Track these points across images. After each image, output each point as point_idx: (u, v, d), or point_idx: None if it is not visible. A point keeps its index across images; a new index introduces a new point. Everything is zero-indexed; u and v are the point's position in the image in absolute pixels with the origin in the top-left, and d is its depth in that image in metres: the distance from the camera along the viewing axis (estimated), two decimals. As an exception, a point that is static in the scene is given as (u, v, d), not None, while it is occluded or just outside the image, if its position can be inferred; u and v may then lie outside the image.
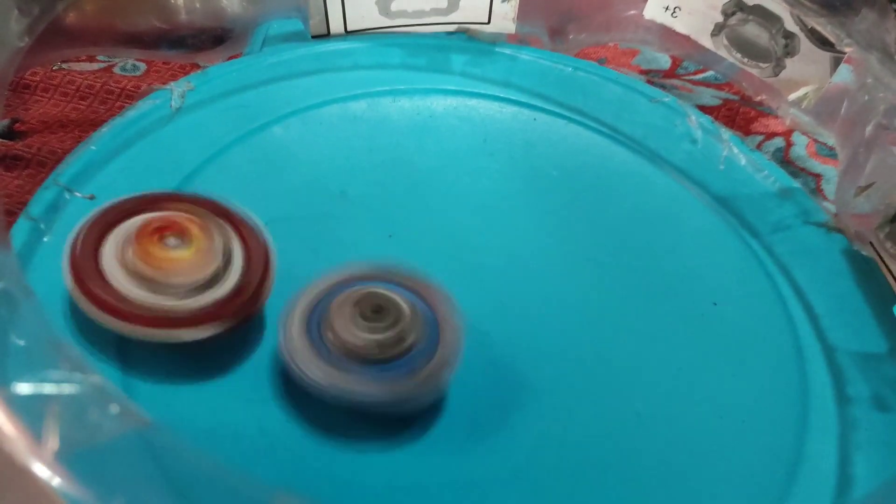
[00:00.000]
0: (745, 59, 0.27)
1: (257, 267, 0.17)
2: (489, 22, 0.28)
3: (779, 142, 0.30)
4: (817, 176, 0.29)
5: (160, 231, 0.17)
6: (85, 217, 0.17)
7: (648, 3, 0.28)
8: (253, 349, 0.19)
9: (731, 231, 0.24)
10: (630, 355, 0.20)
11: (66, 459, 0.11)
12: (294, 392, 0.18)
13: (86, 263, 0.16)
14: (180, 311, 0.16)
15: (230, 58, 0.27)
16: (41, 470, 0.11)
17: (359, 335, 0.16)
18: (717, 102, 0.32)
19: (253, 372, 0.18)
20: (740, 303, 0.22)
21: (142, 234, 0.16)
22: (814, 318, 0.22)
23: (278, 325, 0.17)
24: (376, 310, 0.17)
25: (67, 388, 0.11)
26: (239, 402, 0.18)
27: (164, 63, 0.30)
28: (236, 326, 0.17)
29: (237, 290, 0.17)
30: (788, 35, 0.26)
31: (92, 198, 0.21)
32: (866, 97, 0.24)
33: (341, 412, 0.18)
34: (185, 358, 0.18)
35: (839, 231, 0.24)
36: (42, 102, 0.27)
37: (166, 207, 0.18)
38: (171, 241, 0.17)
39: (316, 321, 0.17)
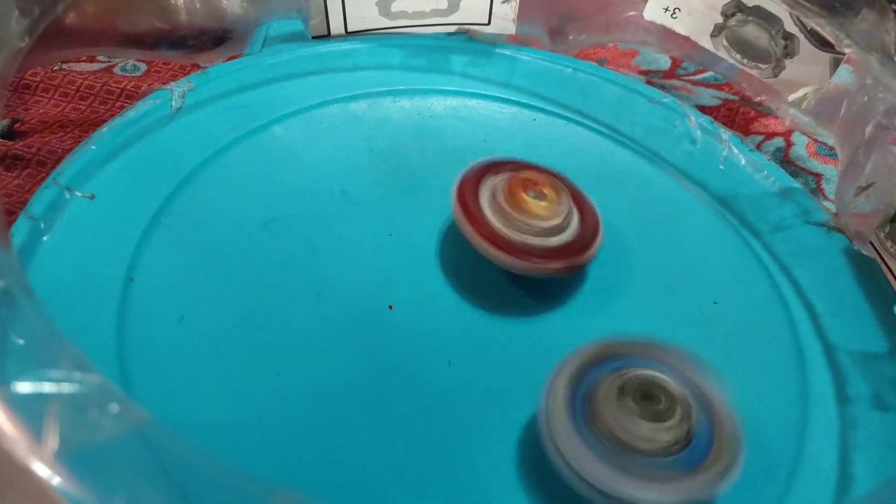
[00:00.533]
0: (745, 60, 0.27)
1: (591, 227, 0.21)
2: (489, 23, 0.28)
3: (779, 142, 0.30)
4: (817, 175, 0.29)
5: (524, 184, 0.21)
6: (468, 167, 0.22)
7: (648, 4, 0.28)
8: (253, 348, 0.19)
9: (732, 231, 0.24)
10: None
11: (66, 459, 0.11)
12: (294, 390, 0.18)
13: (469, 197, 0.21)
14: (529, 247, 0.20)
15: (230, 58, 0.27)
16: (41, 469, 0.11)
17: (636, 429, 0.15)
18: (716, 103, 0.32)
19: (254, 371, 0.18)
20: (740, 302, 0.22)
21: (512, 183, 0.21)
22: (814, 318, 0.22)
23: (541, 399, 0.16)
24: (647, 397, 0.16)
25: (67, 388, 0.11)
26: (239, 401, 0.18)
27: (164, 63, 0.30)
28: (568, 270, 0.20)
29: (575, 240, 0.21)
30: (788, 36, 0.26)
31: (92, 197, 0.21)
32: (866, 98, 0.24)
33: (341, 411, 0.18)
34: (185, 358, 0.18)
35: (839, 231, 0.24)
36: (42, 102, 0.27)
37: (528, 169, 0.22)
38: (532, 192, 0.21)
39: (580, 406, 0.16)
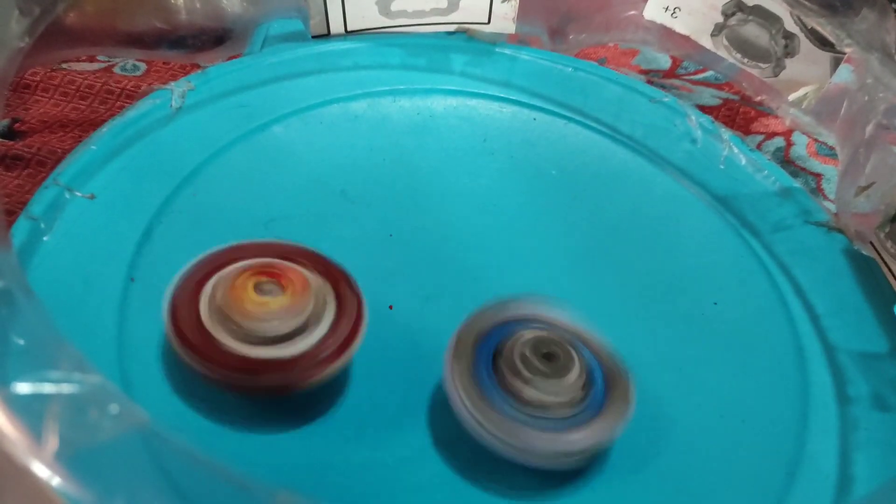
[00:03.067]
0: (745, 60, 0.27)
1: (346, 325, 0.17)
2: (489, 22, 0.28)
3: (779, 141, 0.30)
4: (818, 175, 0.29)
5: (257, 275, 0.17)
6: (188, 264, 0.17)
7: (648, 3, 0.28)
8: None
9: (732, 231, 0.24)
10: (630, 355, 0.20)
11: (66, 459, 0.11)
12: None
13: (184, 307, 0.16)
14: (264, 359, 0.16)
15: (230, 58, 0.27)
16: (41, 470, 0.11)
17: (537, 387, 0.16)
18: (717, 102, 0.32)
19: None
20: (740, 303, 0.22)
21: (238, 279, 0.17)
22: (814, 318, 0.22)
23: (444, 372, 0.17)
24: (549, 357, 0.17)
25: (67, 388, 0.11)
26: (239, 402, 0.18)
27: (164, 63, 0.30)
28: (314, 383, 0.16)
29: (320, 345, 0.16)
30: (788, 35, 0.26)
31: (92, 197, 0.21)
32: (866, 97, 0.24)
33: (341, 411, 0.18)
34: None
35: (839, 231, 0.24)
36: (42, 102, 0.27)
37: (264, 255, 0.18)
38: (266, 287, 0.16)
39: (485, 365, 0.16)
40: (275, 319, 0.16)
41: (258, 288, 0.16)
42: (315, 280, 0.17)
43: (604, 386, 0.17)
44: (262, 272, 0.17)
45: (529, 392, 0.16)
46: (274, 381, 0.16)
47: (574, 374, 0.16)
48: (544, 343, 0.17)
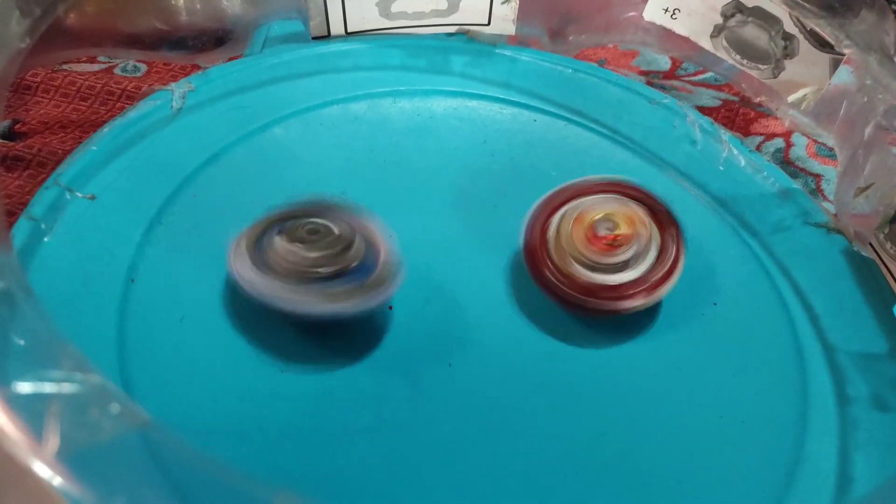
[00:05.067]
0: (745, 61, 0.27)
1: (669, 251, 0.20)
2: (489, 23, 0.28)
3: (779, 142, 0.30)
4: (817, 176, 0.29)
5: (594, 217, 0.20)
6: (539, 200, 0.21)
7: (648, 4, 0.28)
8: (253, 348, 0.19)
9: (731, 232, 0.24)
10: (630, 355, 0.20)
11: (67, 459, 0.11)
12: (294, 390, 0.18)
13: (536, 240, 0.20)
14: (607, 284, 0.19)
15: (231, 59, 0.27)
16: (41, 469, 0.11)
17: (298, 254, 0.18)
18: (716, 103, 0.32)
19: (254, 371, 0.18)
20: (740, 303, 0.22)
21: (580, 219, 0.20)
22: (814, 318, 0.22)
23: (228, 254, 0.19)
24: (313, 232, 0.19)
25: (68, 388, 0.11)
26: (239, 401, 0.18)
27: (164, 64, 0.30)
28: (650, 302, 0.20)
29: (650, 271, 0.20)
30: (788, 37, 0.26)
31: (92, 198, 0.21)
32: (865, 98, 0.24)
33: (340, 412, 0.18)
34: (185, 358, 0.18)
35: (839, 232, 0.24)
36: (43, 103, 0.27)
37: (598, 193, 0.21)
38: (604, 225, 0.20)
39: (260, 250, 0.18)
40: (611, 251, 0.19)
41: (597, 224, 0.20)
42: (642, 217, 0.20)
43: (372, 265, 0.19)
44: (598, 214, 0.20)
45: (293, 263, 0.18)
46: (604, 304, 0.19)
47: (330, 242, 0.18)
48: (313, 226, 0.19)
